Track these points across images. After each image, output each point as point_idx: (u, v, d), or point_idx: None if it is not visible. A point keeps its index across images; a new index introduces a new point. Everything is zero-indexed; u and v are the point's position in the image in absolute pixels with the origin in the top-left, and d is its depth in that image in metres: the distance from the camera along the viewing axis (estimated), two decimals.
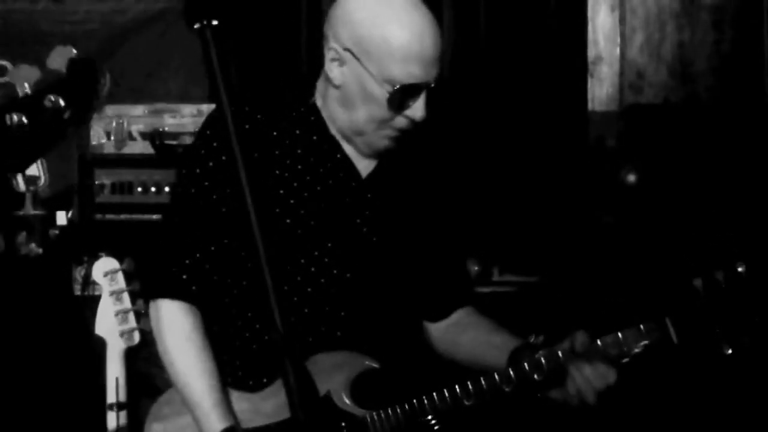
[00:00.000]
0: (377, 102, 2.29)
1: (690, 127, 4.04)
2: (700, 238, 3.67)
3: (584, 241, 3.92)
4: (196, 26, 1.64)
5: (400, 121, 2.32)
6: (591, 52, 4.16)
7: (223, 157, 2.33)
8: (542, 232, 3.97)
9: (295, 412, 1.60)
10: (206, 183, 2.36)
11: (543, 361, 2.26)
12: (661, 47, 4.15)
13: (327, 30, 2.34)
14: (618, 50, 4.16)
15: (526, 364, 2.28)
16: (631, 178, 3.99)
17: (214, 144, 2.36)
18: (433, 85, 2.29)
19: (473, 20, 4.14)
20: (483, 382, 2.28)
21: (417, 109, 2.29)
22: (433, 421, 2.33)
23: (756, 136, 3.94)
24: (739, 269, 2.05)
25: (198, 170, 2.37)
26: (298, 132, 2.40)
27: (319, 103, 2.41)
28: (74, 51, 1.51)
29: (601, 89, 4.18)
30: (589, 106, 4.15)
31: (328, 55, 2.32)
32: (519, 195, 4.04)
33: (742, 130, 3.96)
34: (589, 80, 4.16)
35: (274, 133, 2.38)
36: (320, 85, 2.41)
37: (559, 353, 2.26)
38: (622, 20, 4.15)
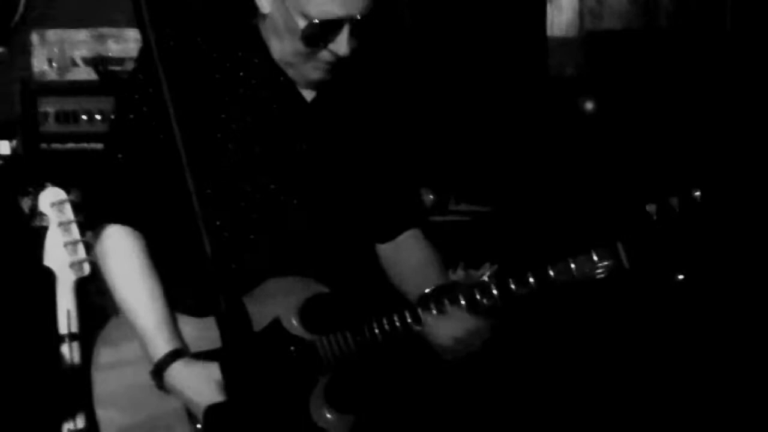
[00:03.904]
0: (297, 35, 2.23)
1: (650, 54, 4.00)
2: (655, 163, 3.66)
3: (541, 170, 3.90)
4: None
5: (326, 55, 2.26)
6: None
7: (164, 83, 2.27)
8: (498, 161, 3.94)
9: (226, 341, 1.55)
10: (145, 109, 2.32)
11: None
12: None
13: None
14: None
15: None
16: (589, 105, 3.95)
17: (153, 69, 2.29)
18: (359, 18, 2.21)
19: None
20: (433, 308, 2.25)
21: (339, 44, 2.23)
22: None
23: (716, 65, 3.91)
24: (695, 195, 2.01)
25: (137, 96, 2.33)
26: (239, 54, 2.35)
27: (260, 25, 2.35)
28: None
29: (561, 15, 4.12)
30: (548, 32, 4.09)
31: None
32: (476, 123, 4.00)
33: (703, 60, 3.93)
34: (548, 6, 4.10)
35: (215, 56, 2.33)
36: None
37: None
38: None
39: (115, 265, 2.36)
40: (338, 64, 2.27)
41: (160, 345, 2.30)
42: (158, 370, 2.30)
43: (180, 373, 2.28)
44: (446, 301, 2.26)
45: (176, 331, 2.33)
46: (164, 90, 1.68)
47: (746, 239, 3.26)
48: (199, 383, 2.27)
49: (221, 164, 2.31)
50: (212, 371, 2.26)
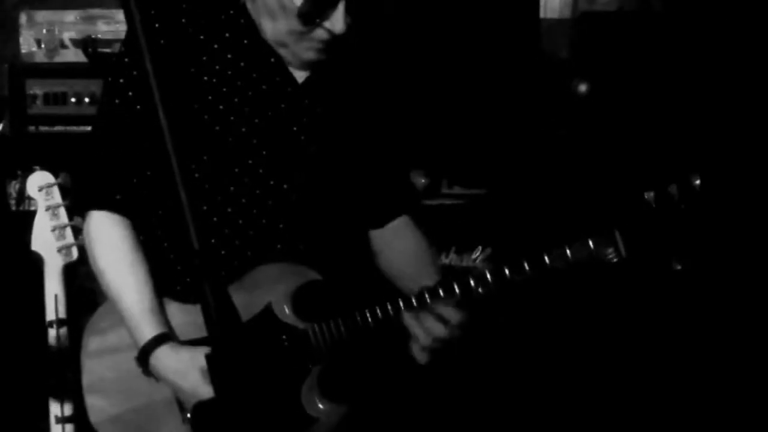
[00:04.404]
0: (292, 14, 2.20)
1: (644, 36, 3.98)
2: (654, 149, 3.64)
3: (534, 153, 3.88)
4: None
5: (321, 33, 2.23)
6: None
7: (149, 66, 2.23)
8: (492, 144, 3.92)
9: (212, 332, 1.53)
10: (131, 93, 2.29)
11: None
12: None
13: None
14: None
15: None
16: (583, 88, 3.92)
17: None
18: None
19: None
20: (426, 296, 2.22)
21: (335, 20, 2.20)
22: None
23: (709, 47, 3.89)
24: (694, 183, 1.98)
25: (122, 79, 2.30)
26: (227, 35, 2.31)
27: (248, 5, 2.30)
28: None
29: None
30: (542, 13, 4.06)
31: None
32: (469, 106, 3.97)
33: (699, 42, 3.91)
34: None
35: (201, 37, 2.30)
36: None
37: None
38: None
39: (102, 252, 2.33)
40: (333, 43, 2.24)
41: (147, 329, 2.28)
42: (144, 355, 2.27)
43: (166, 358, 2.26)
44: (440, 291, 2.23)
45: (163, 316, 2.31)
46: (150, 73, 1.64)
47: (746, 227, 3.24)
48: (186, 368, 2.24)
49: (209, 148, 2.28)
50: (199, 356, 2.23)
